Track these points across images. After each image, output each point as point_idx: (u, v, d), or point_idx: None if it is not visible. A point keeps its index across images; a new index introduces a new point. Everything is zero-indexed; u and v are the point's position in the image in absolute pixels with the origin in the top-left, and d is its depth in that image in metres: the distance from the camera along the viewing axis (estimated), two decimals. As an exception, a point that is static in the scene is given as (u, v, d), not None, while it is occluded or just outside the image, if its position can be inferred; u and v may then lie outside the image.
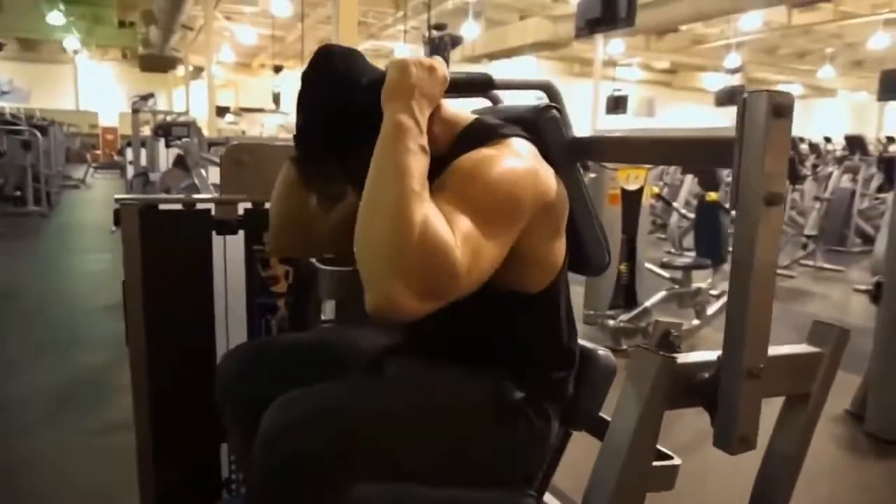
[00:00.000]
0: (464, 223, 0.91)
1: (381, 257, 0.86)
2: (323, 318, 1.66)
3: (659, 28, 12.14)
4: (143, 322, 1.48)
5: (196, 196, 1.64)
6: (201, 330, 1.53)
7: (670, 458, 1.05)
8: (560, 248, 1.13)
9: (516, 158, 1.01)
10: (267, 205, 1.51)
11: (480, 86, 1.14)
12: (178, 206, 1.52)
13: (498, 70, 17.41)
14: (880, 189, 7.11)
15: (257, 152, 1.56)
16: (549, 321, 1.19)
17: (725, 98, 11.02)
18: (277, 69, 17.83)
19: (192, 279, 1.52)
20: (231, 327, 1.56)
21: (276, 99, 16.39)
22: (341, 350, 1.30)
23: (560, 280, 1.16)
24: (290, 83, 15.93)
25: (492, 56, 15.86)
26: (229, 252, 1.54)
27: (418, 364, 1.19)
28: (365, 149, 0.94)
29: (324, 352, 1.30)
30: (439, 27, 10.63)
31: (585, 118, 14.00)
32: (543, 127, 1.19)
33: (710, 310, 4.02)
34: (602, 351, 1.29)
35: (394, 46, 16.65)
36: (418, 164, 0.91)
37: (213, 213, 1.51)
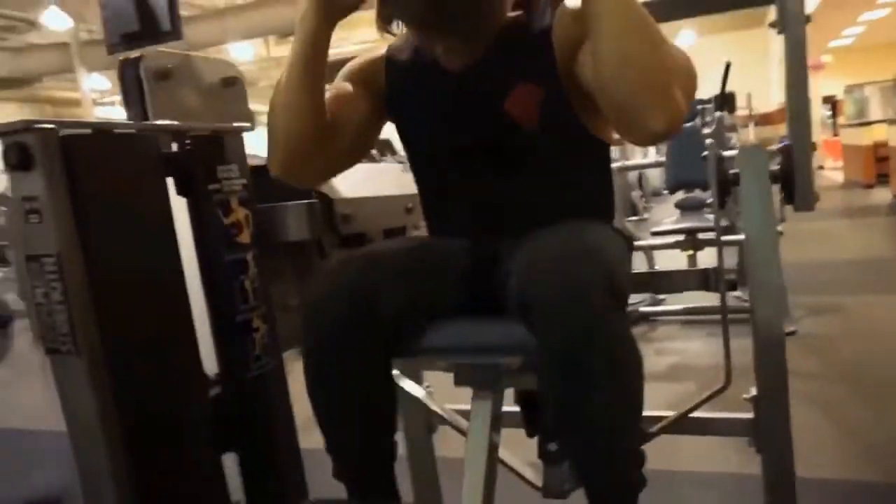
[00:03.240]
0: None
1: (667, 78, 0.91)
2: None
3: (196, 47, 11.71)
4: (96, 316, 0.95)
5: (129, 122, 1.09)
6: (175, 311, 1.07)
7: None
8: None
9: None
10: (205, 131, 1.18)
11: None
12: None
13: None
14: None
15: (182, 62, 1.15)
16: (611, 175, 1.30)
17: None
18: None
19: (152, 240, 1.04)
20: (199, 299, 1.13)
21: None
22: (443, 250, 1.17)
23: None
24: None
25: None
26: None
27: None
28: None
29: (430, 253, 1.16)
30: None
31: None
32: None
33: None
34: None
35: None
36: None
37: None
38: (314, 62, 1.05)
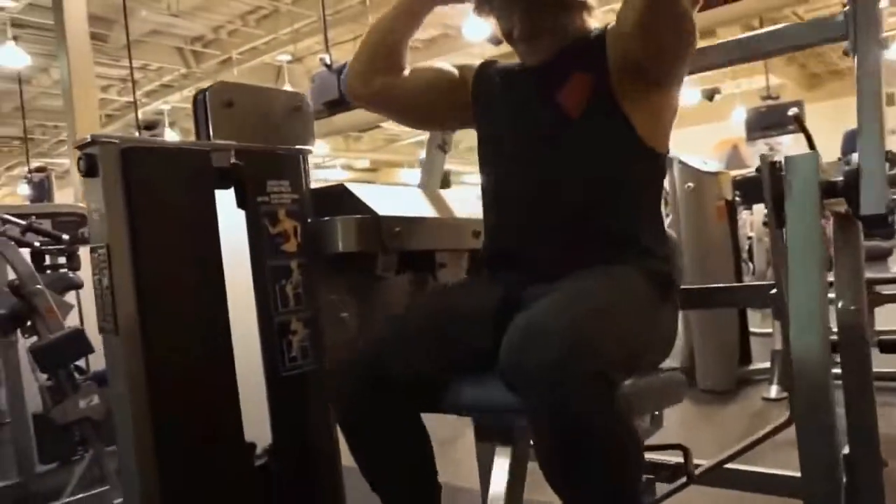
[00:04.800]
0: None
1: None
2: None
3: (358, 127, 13.00)
4: (135, 301, 1.11)
5: (186, 141, 1.31)
6: (212, 308, 1.19)
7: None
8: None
9: None
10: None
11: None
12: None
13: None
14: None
15: (247, 94, 1.32)
16: (659, 197, 1.24)
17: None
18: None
19: (195, 241, 1.19)
20: (239, 299, 1.25)
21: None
22: (468, 310, 1.20)
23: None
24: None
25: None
26: (223, 208, 1.25)
27: (563, 283, 1.10)
28: None
29: (455, 317, 1.19)
30: (150, 126, 10.01)
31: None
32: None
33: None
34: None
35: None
36: None
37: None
38: (408, 17, 1.34)
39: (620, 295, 1.07)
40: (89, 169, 1.11)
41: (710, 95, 11.24)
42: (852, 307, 1.25)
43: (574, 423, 0.88)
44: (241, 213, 1.30)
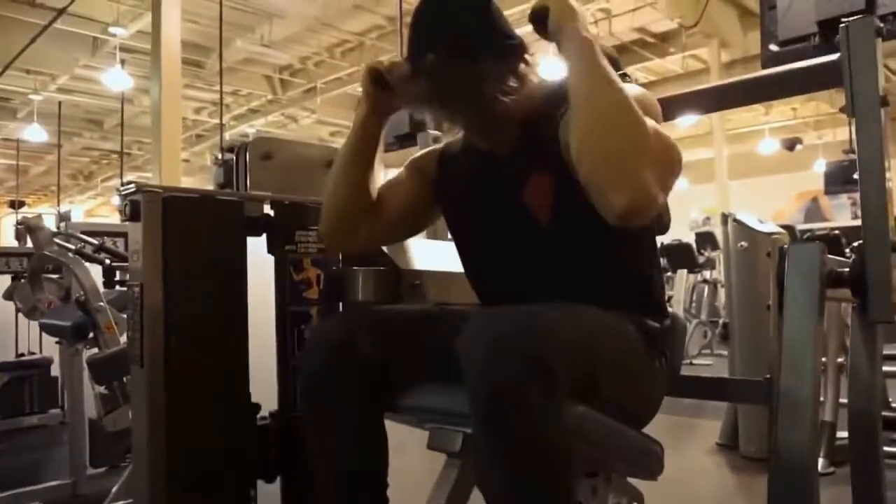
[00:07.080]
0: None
1: (630, 156, 0.92)
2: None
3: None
4: (163, 336, 1.21)
5: (222, 191, 1.42)
6: (233, 347, 1.29)
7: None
8: None
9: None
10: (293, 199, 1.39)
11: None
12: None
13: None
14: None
15: (284, 147, 1.43)
16: (654, 255, 1.23)
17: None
18: (17, 205, 15.75)
19: (223, 285, 1.29)
20: (259, 342, 1.34)
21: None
22: (449, 315, 1.21)
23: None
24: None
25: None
26: (254, 254, 1.35)
27: None
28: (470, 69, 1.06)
29: (432, 317, 1.22)
30: (231, 149, 10.54)
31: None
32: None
33: None
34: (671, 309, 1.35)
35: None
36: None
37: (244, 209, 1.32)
38: (361, 147, 1.24)
39: (597, 318, 1.02)
40: (133, 214, 1.22)
41: (790, 146, 10.88)
42: (863, 402, 1.22)
43: (494, 403, 0.84)
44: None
